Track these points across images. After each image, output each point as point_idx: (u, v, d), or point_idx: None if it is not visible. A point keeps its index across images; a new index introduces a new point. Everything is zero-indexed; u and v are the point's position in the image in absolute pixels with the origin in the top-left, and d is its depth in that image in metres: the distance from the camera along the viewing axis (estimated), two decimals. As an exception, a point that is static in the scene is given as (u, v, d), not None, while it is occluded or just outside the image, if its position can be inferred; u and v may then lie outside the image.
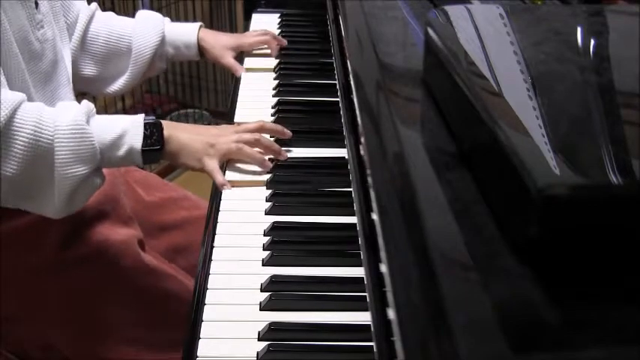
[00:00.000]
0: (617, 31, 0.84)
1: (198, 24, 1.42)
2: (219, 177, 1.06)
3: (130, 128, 1.01)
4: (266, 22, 1.68)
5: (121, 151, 1.01)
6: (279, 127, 1.14)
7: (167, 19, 1.40)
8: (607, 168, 0.55)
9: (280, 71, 1.43)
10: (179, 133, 1.06)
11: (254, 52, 1.50)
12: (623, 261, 0.54)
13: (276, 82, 1.38)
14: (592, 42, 0.80)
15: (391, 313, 0.57)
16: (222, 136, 1.09)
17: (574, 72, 0.73)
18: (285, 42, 1.52)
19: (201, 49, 1.41)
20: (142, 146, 1.01)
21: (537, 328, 0.49)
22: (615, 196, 0.53)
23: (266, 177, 1.08)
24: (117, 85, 1.35)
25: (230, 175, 1.08)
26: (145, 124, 1.02)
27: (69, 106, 0.99)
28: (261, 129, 1.12)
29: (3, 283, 1.07)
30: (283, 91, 1.34)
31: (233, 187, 1.06)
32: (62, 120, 0.95)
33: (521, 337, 0.49)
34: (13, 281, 1.08)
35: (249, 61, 1.47)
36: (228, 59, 1.42)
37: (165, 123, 1.06)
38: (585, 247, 0.53)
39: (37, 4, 1.04)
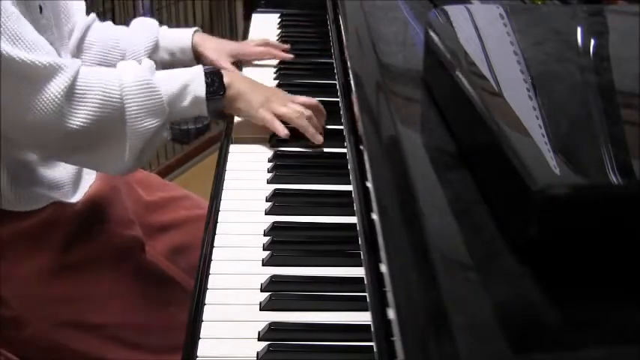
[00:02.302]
0: (617, 31, 0.84)
1: (193, 29, 1.38)
2: (279, 126, 1.10)
3: (192, 78, 1.05)
4: (266, 22, 1.68)
5: (187, 101, 1.04)
6: (319, 126, 1.15)
7: (164, 26, 1.37)
8: (607, 168, 0.55)
9: (280, 71, 1.42)
10: (239, 81, 1.11)
11: (254, 63, 1.47)
12: (623, 261, 0.54)
13: (276, 82, 1.38)
14: (592, 42, 0.80)
15: (391, 313, 0.57)
16: (280, 97, 1.13)
17: (574, 72, 0.73)
18: (286, 46, 1.48)
19: (197, 54, 1.37)
20: (206, 94, 1.05)
21: (537, 328, 0.49)
22: (615, 196, 0.54)
23: (266, 176, 1.08)
24: None
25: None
26: (206, 73, 1.06)
27: (130, 64, 1.02)
28: (317, 108, 1.15)
29: (7, 284, 1.07)
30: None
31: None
32: (127, 77, 0.98)
33: (521, 337, 0.49)
34: (17, 283, 1.08)
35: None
36: (226, 64, 1.36)
37: (224, 71, 1.10)
38: (585, 247, 0.53)
39: (41, 8, 1.04)
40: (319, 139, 1.13)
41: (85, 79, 0.95)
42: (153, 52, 1.34)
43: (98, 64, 1.29)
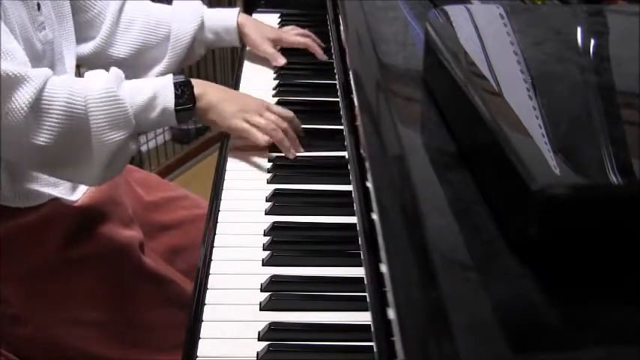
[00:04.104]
0: (617, 31, 0.84)
1: (237, 9, 1.41)
2: (257, 135, 1.09)
3: (160, 89, 1.03)
4: (266, 22, 1.67)
5: (155, 113, 1.02)
6: (295, 140, 1.13)
7: (204, 6, 1.38)
8: (607, 168, 0.55)
9: (280, 71, 1.42)
10: (210, 91, 1.09)
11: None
12: (622, 261, 0.54)
13: (276, 82, 1.38)
14: (592, 42, 0.80)
15: (391, 313, 0.57)
16: (254, 107, 1.11)
17: (574, 72, 0.73)
18: (323, 45, 1.48)
19: (240, 35, 1.40)
20: (175, 105, 1.03)
21: (537, 328, 0.49)
22: (615, 196, 0.54)
23: (266, 176, 1.08)
24: (153, 73, 1.33)
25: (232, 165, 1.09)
26: (175, 84, 1.04)
27: (98, 74, 1.00)
28: (291, 120, 1.13)
29: (5, 282, 1.08)
30: (283, 91, 1.34)
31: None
32: (93, 88, 0.96)
33: (521, 337, 0.49)
34: (16, 281, 1.08)
35: (248, 61, 1.47)
36: (268, 48, 1.41)
37: (194, 81, 1.07)
38: (585, 247, 0.53)
39: (39, 5, 1.04)
40: (293, 154, 1.11)
41: (51, 90, 0.93)
42: (198, 32, 1.34)
43: (142, 43, 1.30)
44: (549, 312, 0.51)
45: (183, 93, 1.04)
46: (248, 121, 1.10)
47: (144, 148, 2.56)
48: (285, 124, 1.12)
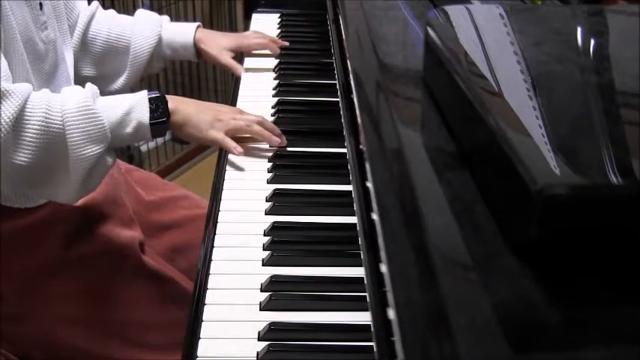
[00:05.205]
0: (617, 31, 0.84)
1: (195, 24, 1.41)
2: (230, 143, 1.09)
3: (135, 104, 1.03)
4: (266, 22, 1.68)
5: (130, 128, 1.03)
6: (276, 130, 1.14)
7: (166, 17, 1.39)
8: (607, 168, 0.55)
9: (280, 71, 1.43)
10: (184, 105, 1.10)
11: (254, 52, 1.50)
12: (623, 261, 0.54)
13: (276, 82, 1.38)
14: (592, 42, 0.80)
15: (391, 313, 0.57)
16: (228, 113, 1.12)
17: (574, 72, 0.73)
18: (286, 43, 1.51)
19: (198, 51, 1.40)
20: (150, 120, 1.03)
21: (537, 328, 0.49)
22: (615, 196, 0.54)
23: (266, 176, 1.08)
24: (117, 84, 1.35)
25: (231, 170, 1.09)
26: (150, 99, 1.05)
27: (74, 89, 1.01)
28: (262, 122, 1.14)
29: (5, 282, 1.08)
30: (283, 91, 1.34)
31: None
32: (69, 103, 0.97)
33: (521, 337, 0.49)
34: (16, 280, 1.08)
35: (249, 61, 1.47)
36: (227, 59, 1.41)
37: (169, 96, 1.08)
38: (585, 247, 0.53)
39: (41, 5, 1.04)
40: (276, 140, 1.12)
41: (30, 107, 0.93)
42: (156, 48, 1.35)
43: (104, 55, 1.31)
44: (549, 312, 0.51)
45: (158, 107, 1.05)
46: (224, 129, 1.10)
47: (144, 148, 2.56)
48: (261, 118, 1.13)
